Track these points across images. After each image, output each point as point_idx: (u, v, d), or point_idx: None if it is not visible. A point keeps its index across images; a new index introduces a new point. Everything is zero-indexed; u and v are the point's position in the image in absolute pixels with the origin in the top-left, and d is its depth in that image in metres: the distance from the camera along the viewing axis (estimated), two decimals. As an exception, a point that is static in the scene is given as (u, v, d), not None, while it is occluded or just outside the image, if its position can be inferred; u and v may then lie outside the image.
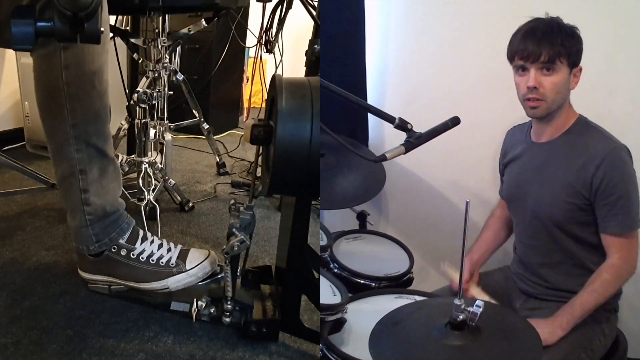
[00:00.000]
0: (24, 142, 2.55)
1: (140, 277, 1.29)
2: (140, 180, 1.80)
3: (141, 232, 1.33)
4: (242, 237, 1.13)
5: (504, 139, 1.43)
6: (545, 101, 1.20)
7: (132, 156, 1.91)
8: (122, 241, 1.29)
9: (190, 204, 2.00)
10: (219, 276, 1.33)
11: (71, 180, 1.23)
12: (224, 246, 1.14)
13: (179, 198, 1.98)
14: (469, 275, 1.36)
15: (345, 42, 1.71)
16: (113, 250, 1.29)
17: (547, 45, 1.16)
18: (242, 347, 1.20)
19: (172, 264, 1.29)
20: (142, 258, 1.29)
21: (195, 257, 1.31)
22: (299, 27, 2.11)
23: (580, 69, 1.20)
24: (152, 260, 1.29)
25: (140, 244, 1.30)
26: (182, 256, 1.31)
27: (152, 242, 1.32)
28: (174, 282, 1.28)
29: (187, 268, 1.28)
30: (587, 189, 1.18)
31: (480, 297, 1.30)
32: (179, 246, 1.35)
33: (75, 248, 1.32)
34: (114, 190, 1.30)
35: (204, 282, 1.32)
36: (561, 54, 1.16)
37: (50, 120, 1.21)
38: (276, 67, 2.28)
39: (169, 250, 1.32)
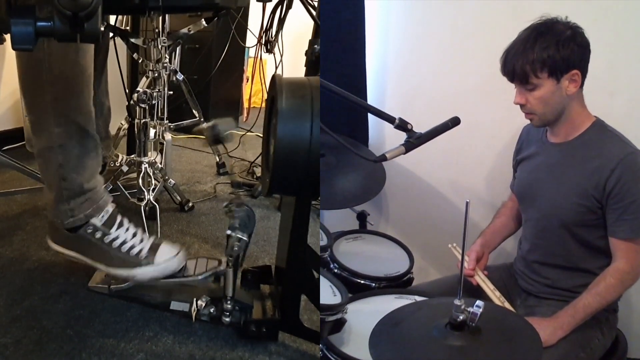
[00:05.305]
0: (23, 142, 2.54)
1: (109, 262, 1.30)
2: (140, 180, 1.80)
3: (118, 218, 1.34)
4: (240, 235, 1.14)
5: (520, 134, 1.43)
6: (536, 114, 1.20)
7: (132, 156, 1.91)
8: (98, 223, 1.30)
9: (190, 204, 1.99)
10: (219, 270, 1.32)
11: (50, 154, 1.24)
12: (225, 246, 1.14)
13: (178, 198, 1.98)
14: (475, 262, 1.35)
15: (345, 42, 1.71)
16: (89, 230, 1.30)
17: (519, 65, 1.14)
18: (241, 346, 1.20)
19: (142, 256, 1.30)
20: (115, 244, 1.29)
21: (166, 252, 1.32)
22: (299, 27, 2.11)
23: (577, 72, 1.16)
24: (124, 249, 1.30)
25: (116, 229, 1.31)
26: (153, 249, 1.32)
27: (127, 229, 1.33)
28: (141, 274, 1.29)
29: (155, 262, 1.29)
30: (599, 192, 1.17)
31: (484, 286, 1.30)
32: (152, 238, 1.36)
33: (49, 220, 1.33)
34: (92, 167, 1.30)
35: (202, 279, 1.31)
36: (537, 70, 1.14)
37: (30, 92, 1.22)
38: (276, 67, 2.28)
39: (142, 241, 1.33)
